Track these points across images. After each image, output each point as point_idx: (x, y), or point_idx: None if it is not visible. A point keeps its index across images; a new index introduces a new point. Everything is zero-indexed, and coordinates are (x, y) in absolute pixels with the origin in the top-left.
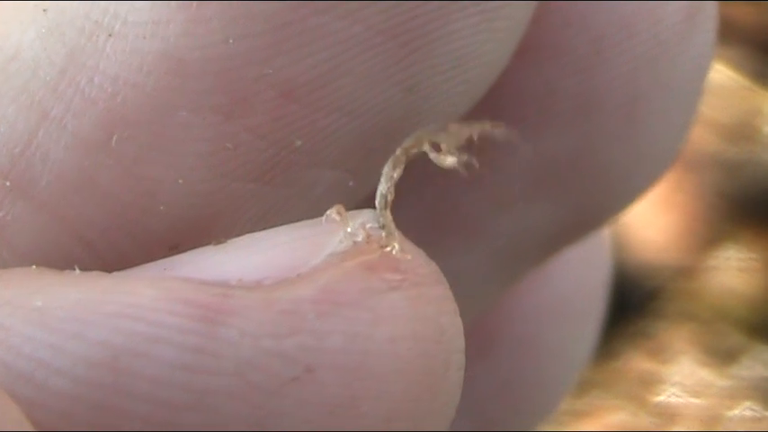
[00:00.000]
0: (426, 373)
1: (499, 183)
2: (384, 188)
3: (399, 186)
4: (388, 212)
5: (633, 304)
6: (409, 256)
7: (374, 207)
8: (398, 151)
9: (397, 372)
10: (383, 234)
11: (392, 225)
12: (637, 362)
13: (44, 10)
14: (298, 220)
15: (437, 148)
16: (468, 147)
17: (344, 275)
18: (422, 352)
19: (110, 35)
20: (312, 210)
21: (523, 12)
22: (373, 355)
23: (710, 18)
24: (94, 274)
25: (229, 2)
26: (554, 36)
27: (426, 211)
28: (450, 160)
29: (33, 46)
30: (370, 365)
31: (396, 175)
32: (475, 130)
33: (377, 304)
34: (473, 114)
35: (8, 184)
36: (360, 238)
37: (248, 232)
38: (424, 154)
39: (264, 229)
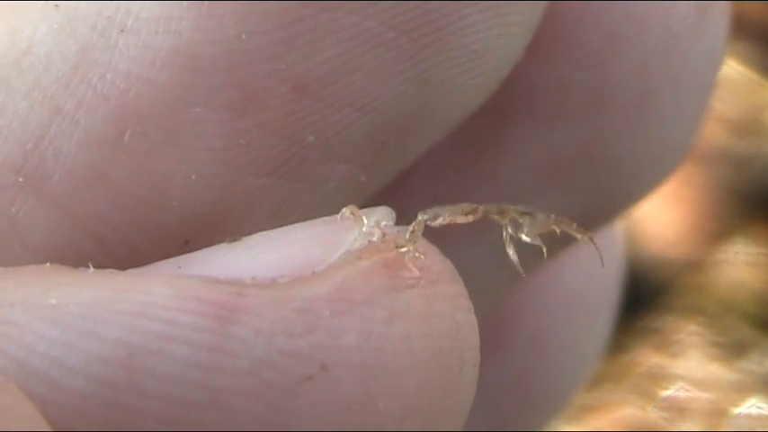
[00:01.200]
0: (441, 371)
1: (510, 177)
2: (441, 213)
3: (410, 181)
4: (422, 227)
5: (642, 298)
6: (424, 254)
7: (387, 203)
8: (479, 209)
9: (412, 369)
10: (406, 235)
11: (420, 232)
12: (645, 356)
13: (55, 6)
14: (310, 215)
15: (516, 225)
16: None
17: (360, 273)
18: (437, 349)
19: (122, 31)
20: (324, 204)
21: (536, 7)
22: (388, 352)
23: (723, 13)
24: (108, 272)
25: None
26: (566, 31)
27: (437, 205)
28: (513, 255)
29: (45, 41)
30: (386, 363)
31: (460, 221)
32: (560, 226)
33: (392, 302)
34: (483, 112)
35: (20, 179)
36: (375, 237)
37: (261, 227)
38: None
39: (277, 224)
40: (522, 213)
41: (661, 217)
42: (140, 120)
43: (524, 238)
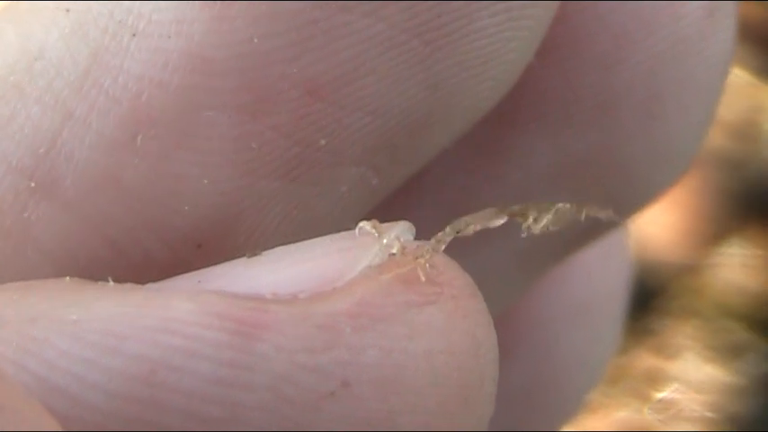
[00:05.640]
0: (462, 387)
1: (519, 180)
2: (471, 222)
3: (421, 185)
4: (450, 238)
5: (638, 301)
6: (444, 269)
7: (397, 207)
8: (504, 211)
9: (434, 385)
10: (428, 248)
11: (444, 245)
12: (641, 358)
13: (66, 10)
14: (322, 219)
15: (537, 220)
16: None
17: (381, 289)
18: (458, 365)
19: (134, 35)
20: (336, 208)
21: (546, 10)
22: (409, 368)
23: (730, 15)
24: (128, 286)
25: (254, 1)
26: (575, 34)
27: (448, 209)
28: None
29: (57, 46)
30: (407, 379)
31: (481, 227)
32: (582, 213)
33: (413, 318)
34: (492, 115)
35: (33, 184)
36: (395, 251)
37: (273, 231)
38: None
39: (290, 227)
40: (545, 209)
41: (657, 220)
42: (153, 123)
43: (550, 228)
